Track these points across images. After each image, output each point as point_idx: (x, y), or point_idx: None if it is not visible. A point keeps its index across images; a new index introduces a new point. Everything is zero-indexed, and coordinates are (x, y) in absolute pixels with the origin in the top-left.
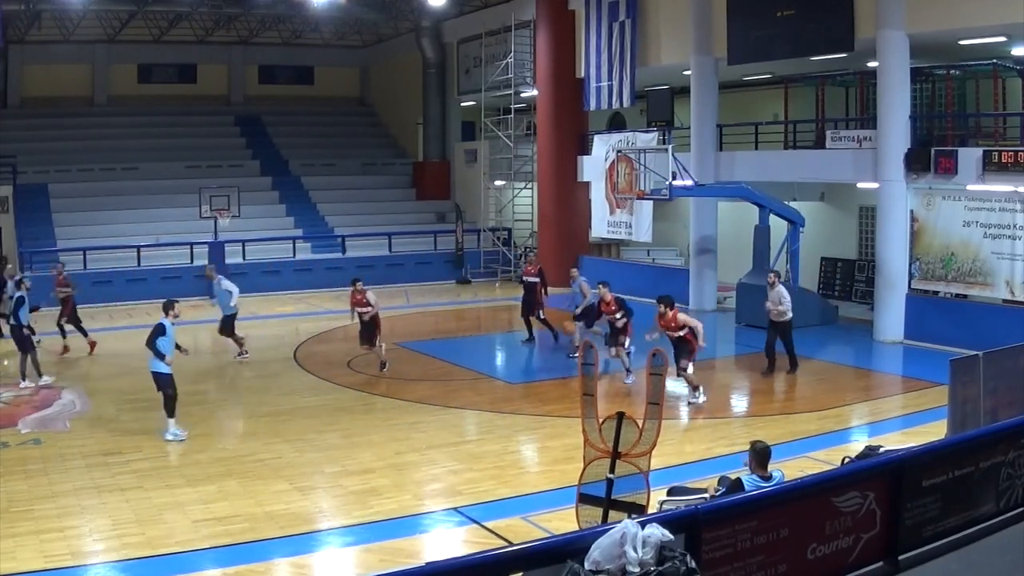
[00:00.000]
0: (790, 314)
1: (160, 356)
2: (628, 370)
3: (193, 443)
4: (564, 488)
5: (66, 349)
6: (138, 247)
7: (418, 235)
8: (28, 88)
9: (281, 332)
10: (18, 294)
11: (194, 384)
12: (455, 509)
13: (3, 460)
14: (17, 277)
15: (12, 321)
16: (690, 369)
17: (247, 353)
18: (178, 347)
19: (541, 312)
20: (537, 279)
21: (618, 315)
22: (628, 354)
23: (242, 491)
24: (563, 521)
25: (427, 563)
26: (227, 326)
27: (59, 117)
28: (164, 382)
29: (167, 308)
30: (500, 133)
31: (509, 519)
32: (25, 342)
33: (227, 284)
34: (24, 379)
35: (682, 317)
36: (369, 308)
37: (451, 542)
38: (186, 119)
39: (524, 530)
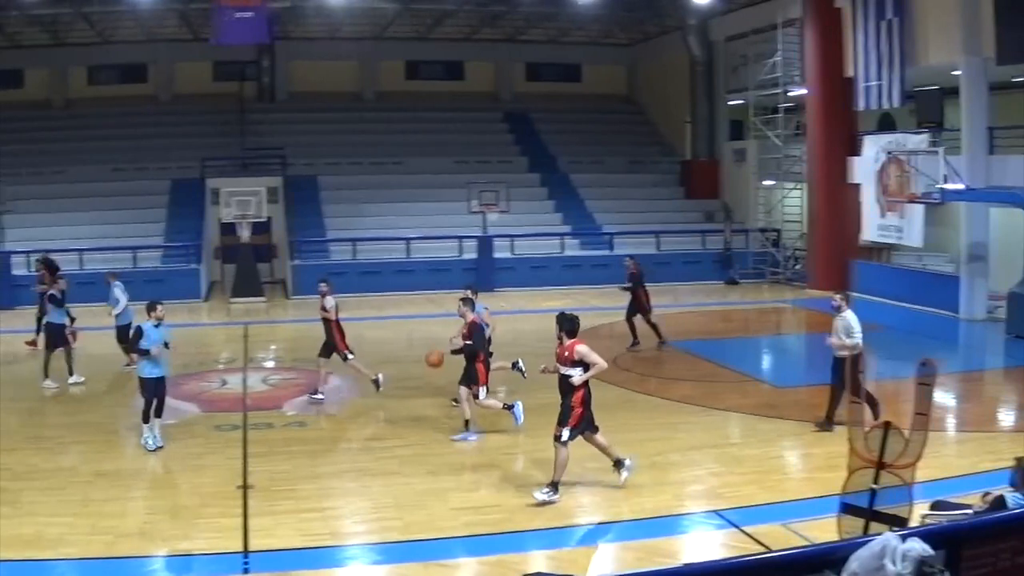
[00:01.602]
0: (847, 352)
1: (146, 355)
2: (466, 423)
3: (456, 434)
4: (826, 497)
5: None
6: (407, 239)
7: (686, 234)
8: (295, 83)
9: (547, 327)
10: (51, 291)
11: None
12: (715, 512)
13: (267, 440)
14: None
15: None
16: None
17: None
18: (166, 345)
19: (646, 316)
20: (630, 284)
21: (464, 343)
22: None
23: (502, 482)
24: (824, 530)
25: (684, 564)
26: (122, 335)
27: (327, 112)
28: (145, 386)
29: (149, 310)
30: (769, 132)
31: (769, 525)
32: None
33: (117, 292)
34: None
35: (581, 350)
36: (325, 313)
37: (709, 545)
38: (454, 115)
39: (783, 537)
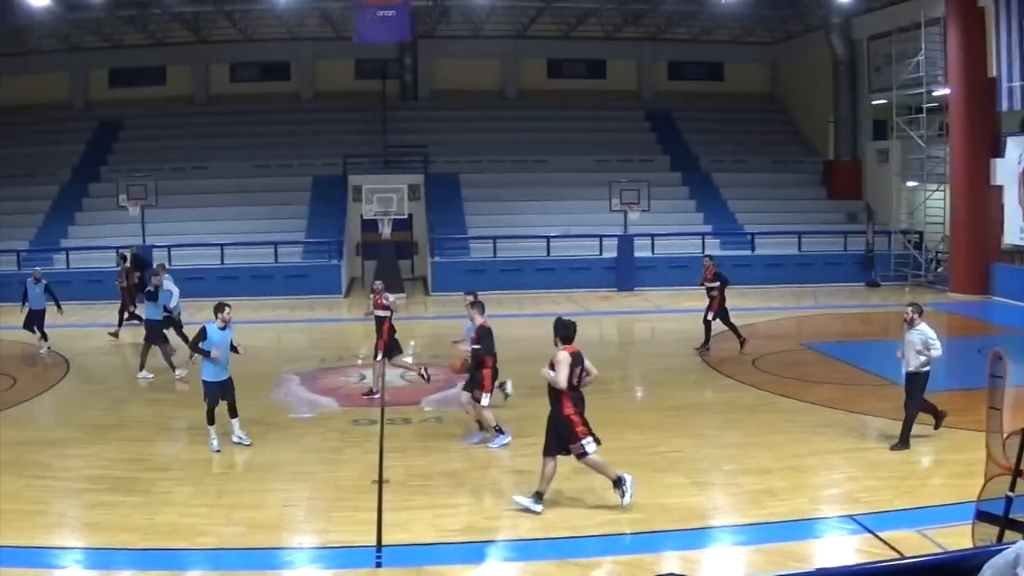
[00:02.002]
0: (926, 367)
1: (206, 356)
2: (498, 429)
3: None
4: (963, 503)
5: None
6: (547, 237)
7: (828, 235)
8: (437, 81)
9: (688, 327)
10: (147, 288)
11: (600, 371)
12: (850, 516)
13: (404, 435)
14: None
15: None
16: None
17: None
18: (234, 348)
19: (709, 314)
20: (716, 284)
21: (471, 347)
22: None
23: (638, 482)
24: (959, 537)
25: (817, 569)
26: (175, 327)
27: (469, 110)
28: (206, 391)
29: (217, 310)
30: (912, 132)
31: (904, 531)
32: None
33: (168, 285)
34: (174, 369)
35: (558, 357)
36: (386, 312)
37: (843, 550)
38: (596, 114)
39: (918, 543)
